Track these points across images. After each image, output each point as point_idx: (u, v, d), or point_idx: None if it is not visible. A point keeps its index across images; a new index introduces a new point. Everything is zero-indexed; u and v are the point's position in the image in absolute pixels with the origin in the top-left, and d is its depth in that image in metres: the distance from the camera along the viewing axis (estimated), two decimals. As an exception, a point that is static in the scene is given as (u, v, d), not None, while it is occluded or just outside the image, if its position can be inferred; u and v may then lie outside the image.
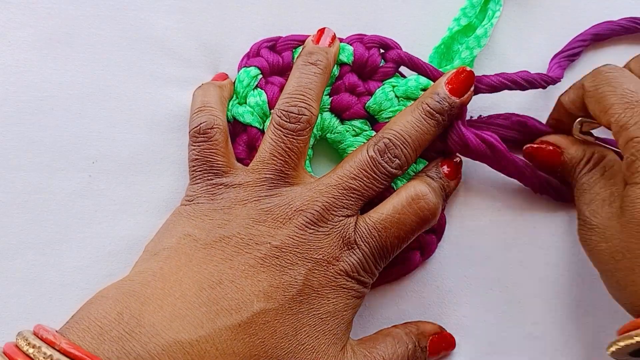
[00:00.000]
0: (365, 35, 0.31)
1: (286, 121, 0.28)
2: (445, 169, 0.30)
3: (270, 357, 0.25)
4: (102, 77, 0.33)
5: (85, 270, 0.31)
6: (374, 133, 0.31)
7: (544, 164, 0.31)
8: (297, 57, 0.30)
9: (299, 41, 0.31)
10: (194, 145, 0.29)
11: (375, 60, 0.31)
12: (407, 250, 0.30)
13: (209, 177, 0.28)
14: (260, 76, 0.31)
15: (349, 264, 0.27)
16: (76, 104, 0.32)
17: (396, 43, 0.31)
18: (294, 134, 0.28)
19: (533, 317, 0.31)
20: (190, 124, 0.30)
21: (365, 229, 0.28)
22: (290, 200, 0.27)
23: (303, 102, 0.28)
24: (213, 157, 0.29)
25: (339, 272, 0.27)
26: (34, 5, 0.33)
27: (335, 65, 0.31)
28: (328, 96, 0.31)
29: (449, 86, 0.29)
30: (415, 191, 0.28)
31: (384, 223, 0.28)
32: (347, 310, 0.27)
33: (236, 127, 0.31)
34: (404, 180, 0.30)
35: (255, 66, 0.31)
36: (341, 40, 0.31)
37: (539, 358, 0.31)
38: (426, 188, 0.28)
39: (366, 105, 0.31)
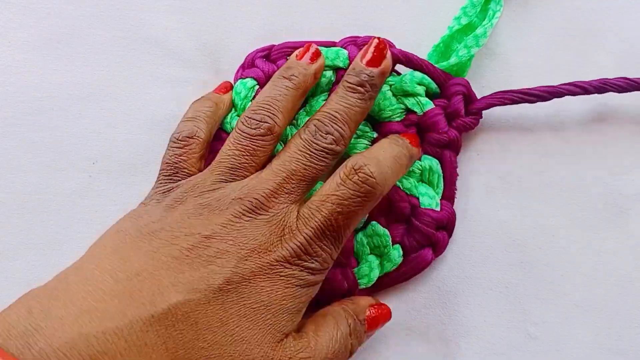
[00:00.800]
0: (358, 37, 0.31)
1: (247, 126, 0.28)
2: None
3: (192, 349, 0.24)
4: (102, 77, 0.33)
5: (86, 271, 0.31)
6: (375, 134, 0.31)
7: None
8: (277, 70, 0.30)
9: (293, 48, 0.31)
10: (169, 150, 0.29)
11: None
12: (418, 248, 0.30)
13: (167, 183, 0.28)
14: (257, 87, 0.31)
15: (287, 250, 0.26)
16: (76, 104, 0.32)
17: (390, 42, 0.31)
18: (253, 137, 0.28)
19: (533, 317, 0.31)
20: (175, 130, 0.30)
21: (307, 212, 0.27)
22: (229, 191, 0.27)
23: (267, 111, 0.29)
24: (181, 164, 0.29)
25: (276, 259, 0.26)
26: (34, 6, 0.33)
27: (332, 71, 0.31)
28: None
29: (364, 59, 0.30)
30: (350, 164, 0.27)
31: (325, 202, 0.27)
32: (286, 299, 0.26)
33: None
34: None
35: (251, 77, 0.31)
36: (334, 44, 0.32)
37: (539, 358, 0.31)
38: (366, 159, 0.27)
39: None
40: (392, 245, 0.30)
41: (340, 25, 0.33)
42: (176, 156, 0.29)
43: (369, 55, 0.30)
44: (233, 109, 0.31)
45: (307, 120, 0.29)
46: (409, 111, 0.31)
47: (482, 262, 0.32)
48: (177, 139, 0.29)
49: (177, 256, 0.25)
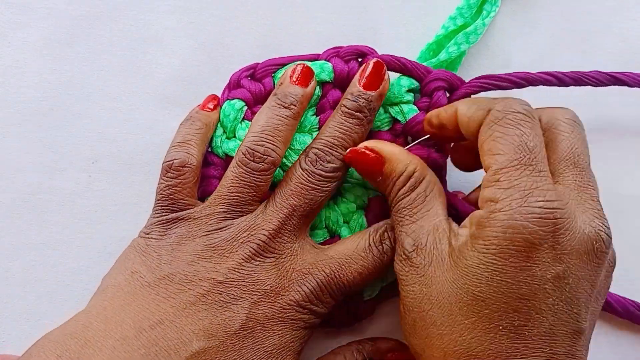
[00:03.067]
0: (341, 47, 0.31)
1: (250, 160, 0.28)
2: None
3: None
4: (102, 78, 0.33)
5: (86, 271, 0.31)
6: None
7: (364, 171, 0.28)
8: (272, 94, 0.30)
9: (278, 65, 0.31)
10: (163, 180, 0.29)
11: (355, 72, 0.30)
12: None
13: (166, 213, 0.28)
14: (246, 108, 0.31)
15: (300, 294, 0.27)
16: (76, 104, 0.32)
17: (371, 49, 0.31)
18: (257, 173, 0.28)
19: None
20: (165, 157, 0.29)
21: (325, 260, 0.27)
22: (237, 232, 0.27)
23: (270, 143, 0.28)
24: (177, 195, 0.28)
25: (288, 302, 0.27)
26: (34, 6, 0.33)
27: (317, 85, 0.30)
28: (315, 116, 0.31)
29: (362, 82, 0.29)
30: (378, 235, 0.28)
31: (345, 259, 0.27)
32: (294, 342, 0.27)
33: (228, 162, 0.30)
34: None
35: (239, 98, 0.31)
36: (318, 56, 0.31)
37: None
38: (388, 233, 0.28)
39: None
40: None
41: (340, 25, 0.33)
42: (170, 187, 0.28)
43: (366, 78, 0.29)
44: (222, 131, 0.31)
45: (307, 148, 0.29)
46: (395, 120, 0.31)
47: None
48: (170, 168, 0.29)
49: (194, 302, 0.26)
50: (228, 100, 0.31)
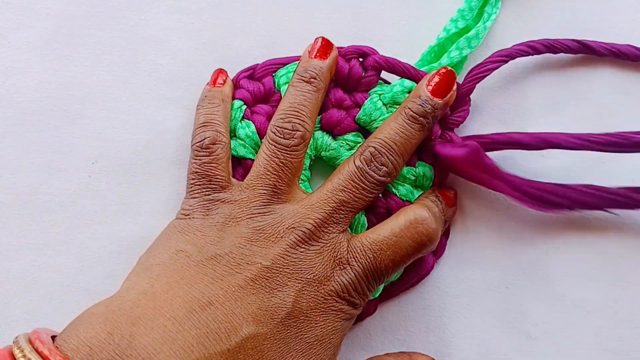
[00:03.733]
0: (341, 47, 0.31)
1: (280, 137, 0.28)
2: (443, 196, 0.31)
3: None
4: (102, 77, 0.33)
5: (86, 271, 0.31)
6: None
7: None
8: (294, 73, 0.30)
9: (278, 64, 0.31)
10: (195, 159, 0.29)
11: (356, 71, 0.31)
12: None
13: (207, 192, 0.28)
14: (245, 107, 0.31)
15: (339, 284, 0.27)
16: (76, 104, 0.32)
17: (373, 49, 0.31)
18: (288, 149, 0.28)
19: (533, 317, 0.31)
20: (193, 139, 0.30)
21: (360, 248, 0.27)
22: (282, 218, 0.27)
23: (297, 118, 0.28)
24: (213, 172, 0.29)
25: (329, 292, 0.27)
26: (34, 6, 0.33)
27: None
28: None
29: (430, 87, 0.29)
30: (415, 215, 0.28)
31: (380, 245, 0.27)
32: (335, 334, 0.27)
33: (231, 161, 0.30)
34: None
35: (238, 98, 0.31)
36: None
37: (539, 358, 0.31)
38: (426, 213, 0.28)
39: (356, 117, 0.31)
40: None
41: (340, 25, 0.33)
42: (205, 164, 0.29)
43: (435, 84, 0.29)
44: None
45: (362, 145, 0.29)
46: None
47: (482, 263, 0.32)
48: (201, 148, 0.29)
49: (243, 285, 0.26)
50: None
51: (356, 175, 0.28)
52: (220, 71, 0.32)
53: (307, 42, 0.32)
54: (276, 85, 0.31)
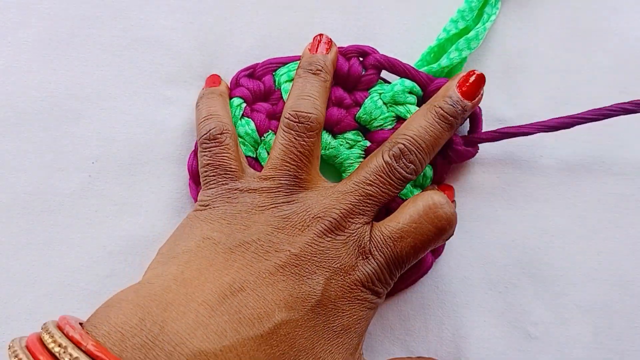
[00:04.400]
0: (342, 47, 0.31)
1: (295, 121, 0.28)
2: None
3: None
4: (102, 77, 0.33)
5: (86, 271, 0.31)
6: (368, 143, 0.31)
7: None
8: (297, 68, 0.30)
9: (278, 63, 0.31)
10: (206, 151, 0.29)
11: (356, 69, 0.31)
12: None
13: (224, 182, 0.28)
14: (245, 105, 0.31)
15: (364, 274, 0.27)
16: (76, 104, 0.32)
17: (373, 49, 0.31)
18: (305, 135, 0.28)
19: (533, 317, 0.31)
20: (198, 132, 0.29)
21: (380, 238, 0.27)
22: (307, 207, 0.27)
23: (310, 102, 0.28)
24: (226, 161, 0.28)
25: (355, 282, 0.27)
26: (34, 6, 0.33)
27: None
28: None
29: (461, 89, 0.29)
30: (432, 200, 0.28)
31: (400, 232, 0.27)
32: (360, 323, 0.27)
33: None
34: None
35: (237, 96, 0.31)
36: None
37: (539, 358, 0.31)
38: (443, 198, 0.28)
39: (356, 116, 0.31)
40: None
41: (340, 25, 0.33)
42: (215, 155, 0.29)
43: (467, 86, 0.29)
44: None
45: (391, 140, 0.28)
46: (399, 119, 0.31)
47: (482, 262, 0.32)
48: (209, 139, 0.29)
49: (273, 272, 0.26)
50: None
51: (384, 171, 0.28)
52: (213, 75, 0.32)
53: (307, 42, 0.32)
54: (276, 84, 0.31)
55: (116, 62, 0.33)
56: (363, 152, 0.31)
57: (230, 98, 0.31)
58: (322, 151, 0.31)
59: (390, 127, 0.31)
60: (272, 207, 0.27)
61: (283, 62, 0.31)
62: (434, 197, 0.28)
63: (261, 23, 0.33)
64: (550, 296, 0.32)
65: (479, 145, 0.31)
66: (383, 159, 0.28)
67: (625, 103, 0.29)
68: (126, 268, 0.31)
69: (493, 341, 0.31)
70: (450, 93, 0.29)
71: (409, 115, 0.30)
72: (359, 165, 0.29)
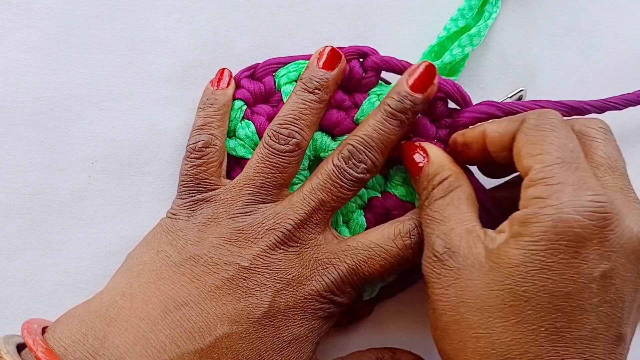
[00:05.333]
0: (342, 48, 0.31)
1: (275, 142, 0.28)
2: None
3: None
4: (102, 77, 0.33)
5: (85, 271, 0.31)
6: None
7: (408, 166, 0.29)
8: (298, 80, 0.30)
9: (279, 64, 0.31)
10: (187, 161, 0.29)
11: (357, 72, 0.30)
12: None
13: (193, 194, 0.29)
14: (245, 107, 0.31)
15: (321, 284, 0.27)
16: (76, 104, 0.32)
17: (373, 49, 0.31)
18: (281, 154, 0.28)
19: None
20: (188, 140, 0.30)
21: (348, 250, 0.27)
22: (263, 219, 0.27)
23: (295, 125, 0.28)
24: (202, 175, 0.29)
25: (309, 292, 0.27)
26: (34, 6, 0.33)
27: None
28: None
29: (409, 82, 0.28)
30: (405, 228, 0.28)
31: (368, 251, 0.27)
32: (312, 332, 0.27)
33: (229, 160, 0.30)
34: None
35: (238, 98, 0.31)
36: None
37: (538, 358, 0.31)
38: (415, 228, 0.28)
39: (355, 118, 0.30)
40: None
41: (340, 25, 0.33)
42: (195, 167, 0.29)
43: (415, 80, 0.28)
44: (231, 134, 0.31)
45: (341, 143, 0.29)
46: None
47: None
48: (194, 150, 0.29)
49: (219, 286, 0.26)
50: None
51: (334, 174, 0.28)
52: (224, 71, 0.31)
53: (307, 42, 0.32)
54: (277, 85, 0.31)
55: (116, 62, 0.33)
56: None
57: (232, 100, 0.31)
58: (322, 153, 0.31)
59: None
60: (228, 219, 0.27)
61: (283, 62, 0.31)
62: (406, 224, 0.28)
63: (261, 23, 0.33)
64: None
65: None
66: (333, 163, 0.28)
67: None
68: (126, 268, 0.31)
69: (493, 341, 0.31)
70: (398, 88, 0.29)
71: None
72: (312, 172, 0.29)
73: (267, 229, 0.27)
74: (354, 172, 0.28)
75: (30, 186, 0.32)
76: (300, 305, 0.26)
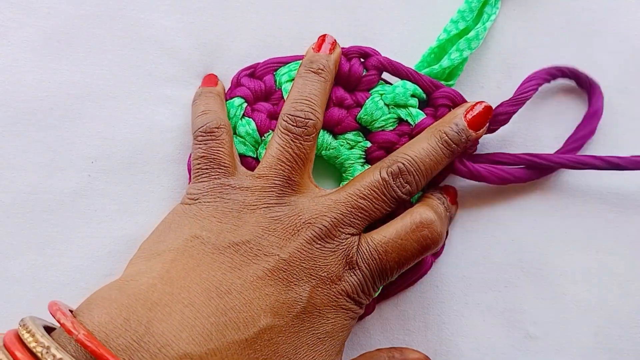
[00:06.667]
0: (343, 47, 0.31)
1: (293, 125, 0.28)
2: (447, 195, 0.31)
3: None
4: (102, 77, 0.33)
5: (85, 270, 0.31)
6: (369, 144, 0.31)
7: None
8: (299, 67, 0.30)
9: (279, 63, 0.31)
10: (201, 144, 0.29)
11: (357, 70, 0.31)
12: None
13: (216, 176, 0.28)
14: (245, 104, 0.31)
15: (350, 285, 0.27)
16: (76, 104, 0.32)
17: (375, 50, 0.31)
18: (301, 138, 0.28)
19: (533, 317, 0.31)
20: (194, 125, 0.29)
21: (366, 250, 0.27)
22: (299, 211, 0.27)
23: (309, 106, 0.28)
24: (220, 155, 0.28)
25: (340, 291, 0.27)
26: (34, 5, 0.33)
27: None
28: None
29: (468, 118, 0.29)
30: (420, 218, 0.28)
31: (385, 246, 0.27)
32: (343, 331, 0.27)
33: None
34: None
35: (238, 96, 0.31)
36: None
37: (539, 358, 0.31)
38: (432, 215, 0.28)
39: (357, 117, 0.31)
40: None
41: (339, 25, 0.33)
42: (210, 148, 0.28)
43: (474, 117, 0.29)
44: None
45: (392, 156, 0.29)
46: (401, 121, 0.31)
47: (481, 262, 0.32)
48: (205, 132, 0.29)
49: (261, 276, 0.25)
50: (228, 100, 0.31)
51: (379, 187, 0.28)
52: (211, 75, 0.32)
53: (307, 42, 0.32)
54: (277, 84, 0.31)
55: (116, 62, 0.33)
56: (364, 153, 0.31)
57: (231, 98, 0.31)
58: (323, 152, 0.31)
59: (391, 128, 0.31)
60: (264, 207, 0.27)
61: (284, 61, 0.31)
62: (422, 215, 0.28)
63: (261, 23, 0.33)
64: (550, 296, 0.32)
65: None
66: (380, 174, 0.28)
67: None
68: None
69: (493, 341, 0.31)
70: (456, 120, 0.29)
71: (410, 118, 0.30)
72: (355, 177, 0.29)
73: (304, 222, 0.27)
74: (398, 191, 0.28)
75: (30, 186, 0.32)
76: (333, 303, 0.26)
